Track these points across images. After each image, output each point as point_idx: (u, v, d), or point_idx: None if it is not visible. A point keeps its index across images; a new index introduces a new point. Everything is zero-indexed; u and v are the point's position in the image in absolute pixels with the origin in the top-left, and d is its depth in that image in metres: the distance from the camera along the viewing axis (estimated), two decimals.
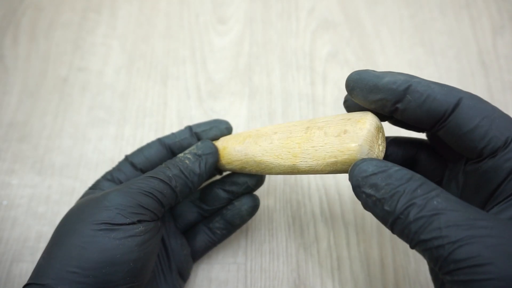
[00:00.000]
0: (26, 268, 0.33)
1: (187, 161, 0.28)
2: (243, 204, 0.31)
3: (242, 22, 0.45)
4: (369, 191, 0.20)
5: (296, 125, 0.27)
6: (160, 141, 0.31)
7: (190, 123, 0.39)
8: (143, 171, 0.30)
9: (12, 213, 0.35)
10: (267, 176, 0.36)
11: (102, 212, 0.24)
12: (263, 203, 0.35)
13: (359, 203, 0.35)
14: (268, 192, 0.36)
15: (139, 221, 0.24)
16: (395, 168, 0.20)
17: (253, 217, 0.35)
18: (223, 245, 0.34)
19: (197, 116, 0.40)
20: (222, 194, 0.31)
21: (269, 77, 0.42)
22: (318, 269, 0.33)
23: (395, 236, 0.34)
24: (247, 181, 0.30)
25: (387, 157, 0.26)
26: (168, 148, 0.31)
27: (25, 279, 0.32)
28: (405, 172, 0.20)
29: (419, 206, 0.18)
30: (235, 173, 0.31)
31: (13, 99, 0.41)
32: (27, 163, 0.38)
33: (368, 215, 0.35)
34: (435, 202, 0.18)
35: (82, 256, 0.23)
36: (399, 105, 0.21)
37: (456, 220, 0.17)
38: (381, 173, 0.20)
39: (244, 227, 0.34)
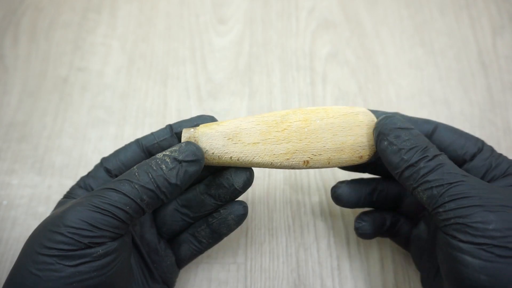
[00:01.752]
0: None
1: (163, 167, 0.24)
2: (229, 213, 0.28)
3: (242, 22, 0.45)
4: (393, 140, 0.25)
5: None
6: (138, 142, 0.28)
7: None
8: (116, 176, 0.27)
9: (12, 213, 0.35)
10: (267, 176, 0.37)
11: (55, 236, 0.21)
12: (263, 203, 0.36)
13: None
14: (268, 192, 0.36)
15: (97, 244, 0.22)
16: (416, 130, 0.26)
17: (253, 217, 0.35)
18: (223, 245, 0.34)
19: None
20: (207, 200, 0.28)
21: (269, 77, 0.42)
22: (318, 269, 0.33)
23: None
24: (234, 183, 0.27)
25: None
26: (146, 151, 0.28)
27: None
28: (423, 136, 0.25)
29: (429, 159, 0.24)
30: (220, 176, 0.28)
31: (13, 99, 0.41)
32: (27, 163, 0.38)
33: None
34: (440, 158, 0.24)
35: (37, 285, 0.21)
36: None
37: (455, 170, 0.23)
38: (407, 130, 0.25)
39: (244, 227, 0.34)
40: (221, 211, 0.28)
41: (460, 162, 0.26)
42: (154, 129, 0.39)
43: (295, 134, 0.27)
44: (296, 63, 0.43)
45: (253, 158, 0.26)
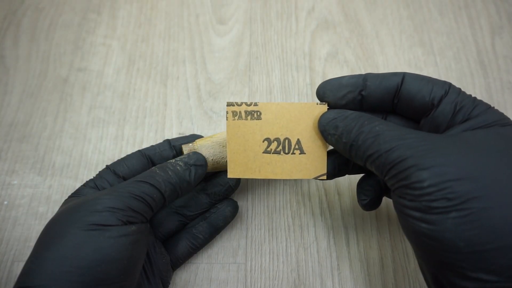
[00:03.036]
0: None
1: (178, 168, 0.29)
2: (226, 205, 0.33)
3: (242, 22, 0.45)
4: (332, 131, 0.27)
5: None
6: (140, 152, 0.32)
7: (190, 123, 0.39)
8: (125, 179, 0.30)
9: (13, 213, 0.35)
10: None
11: (94, 215, 0.24)
12: (263, 203, 0.36)
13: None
14: (268, 192, 0.36)
15: (131, 223, 0.25)
16: (349, 112, 0.27)
17: (253, 217, 0.35)
18: (223, 245, 0.34)
19: (197, 116, 0.40)
20: (203, 199, 0.33)
21: (269, 77, 0.42)
22: (318, 269, 0.33)
23: (394, 236, 0.34)
24: (229, 181, 0.32)
25: None
26: (148, 159, 0.31)
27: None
28: (356, 113, 0.26)
29: (366, 133, 0.24)
30: (216, 177, 0.33)
31: (13, 99, 0.41)
32: (27, 163, 0.38)
33: (368, 215, 0.35)
34: (377, 128, 0.24)
35: (77, 255, 0.23)
36: (363, 92, 0.27)
37: (390, 136, 0.23)
38: (340, 116, 0.27)
39: (244, 227, 0.35)
40: (218, 205, 0.33)
41: (429, 108, 0.26)
42: (154, 129, 0.39)
43: None
44: (296, 63, 0.43)
45: None
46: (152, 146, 0.32)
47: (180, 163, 0.29)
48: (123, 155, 0.38)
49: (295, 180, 0.36)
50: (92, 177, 0.30)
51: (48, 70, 0.43)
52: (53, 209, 0.36)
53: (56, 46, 0.44)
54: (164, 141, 0.33)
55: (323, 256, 0.33)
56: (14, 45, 0.44)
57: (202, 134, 0.39)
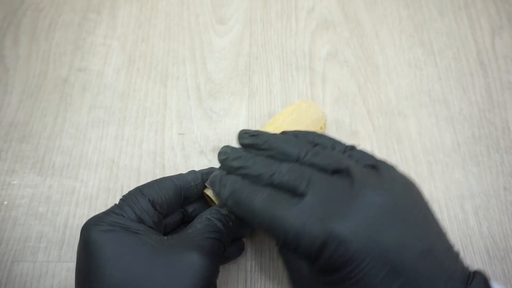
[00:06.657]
0: (27, 268, 0.33)
1: (231, 223, 0.29)
2: (234, 250, 0.32)
3: (242, 22, 0.45)
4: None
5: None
6: (175, 184, 0.30)
7: (190, 123, 0.39)
8: (160, 213, 0.29)
9: (12, 213, 0.35)
10: None
11: (200, 284, 0.24)
12: None
13: None
14: None
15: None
16: None
17: None
18: None
19: (197, 116, 0.40)
20: None
21: (268, 77, 0.42)
22: None
23: None
24: (243, 233, 0.32)
25: None
26: (182, 193, 0.30)
27: (25, 279, 0.32)
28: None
29: None
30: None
31: (13, 99, 0.41)
32: (27, 163, 0.38)
33: None
34: None
35: None
36: None
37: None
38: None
39: None
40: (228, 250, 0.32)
41: None
42: (154, 129, 0.39)
43: None
44: (296, 63, 0.43)
45: None
46: (185, 177, 0.31)
47: (232, 217, 0.29)
48: (123, 155, 0.38)
49: None
50: (119, 199, 0.28)
51: (48, 70, 0.43)
52: (53, 209, 0.36)
53: (56, 46, 0.44)
54: (196, 173, 0.31)
55: None
56: (14, 45, 0.44)
57: (202, 134, 0.39)
